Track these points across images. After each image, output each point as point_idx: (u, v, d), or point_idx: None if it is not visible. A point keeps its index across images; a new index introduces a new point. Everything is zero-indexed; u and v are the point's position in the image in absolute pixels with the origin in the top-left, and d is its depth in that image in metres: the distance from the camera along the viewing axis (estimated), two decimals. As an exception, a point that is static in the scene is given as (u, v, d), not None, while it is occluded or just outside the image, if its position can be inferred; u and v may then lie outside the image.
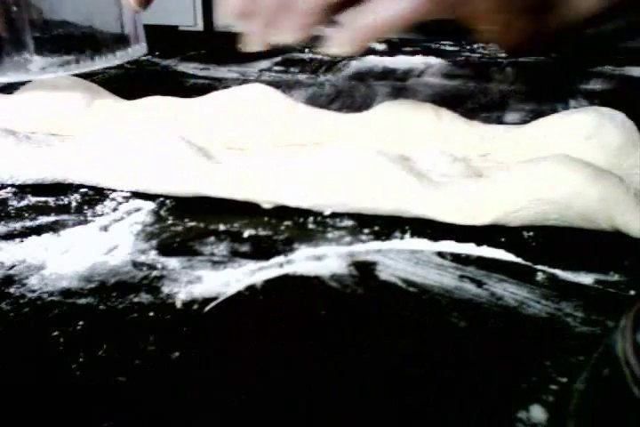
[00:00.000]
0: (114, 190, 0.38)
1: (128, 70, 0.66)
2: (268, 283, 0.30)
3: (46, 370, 0.25)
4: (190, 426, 0.22)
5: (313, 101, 0.44)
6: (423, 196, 0.33)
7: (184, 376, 0.24)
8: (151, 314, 0.28)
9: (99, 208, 0.37)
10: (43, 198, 0.38)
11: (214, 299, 0.29)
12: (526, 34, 0.39)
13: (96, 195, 0.38)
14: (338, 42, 0.37)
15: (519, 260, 0.31)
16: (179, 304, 0.28)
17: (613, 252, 0.32)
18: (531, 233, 0.33)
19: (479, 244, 0.32)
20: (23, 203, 0.38)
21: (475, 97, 0.54)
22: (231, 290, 0.29)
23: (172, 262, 0.32)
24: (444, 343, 0.26)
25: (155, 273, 0.31)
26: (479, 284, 0.29)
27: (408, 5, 0.35)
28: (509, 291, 0.29)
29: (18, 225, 0.35)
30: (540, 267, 0.31)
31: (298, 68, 0.66)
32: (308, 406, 0.23)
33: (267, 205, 0.36)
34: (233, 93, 0.44)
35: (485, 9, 0.37)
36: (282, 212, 0.36)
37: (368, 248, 0.32)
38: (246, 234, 0.34)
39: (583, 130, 0.37)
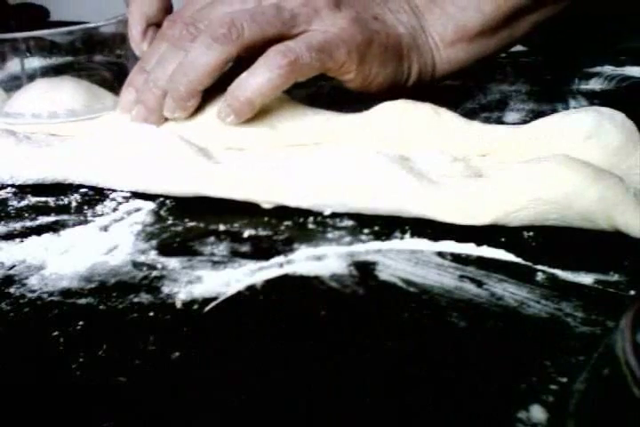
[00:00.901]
0: (114, 190, 0.38)
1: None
2: (268, 283, 0.30)
3: (46, 370, 0.25)
4: (190, 426, 0.22)
5: (313, 101, 0.44)
6: (423, 196, 0.33)
7: (184, 376, 0.24)
8: (151, 314, 0.28)
9: (99, 208, 0.37)
10: (43, 198, 0.38)
11: (214, 299, 0.29)
12: (386, 82, 0.44)
13: (96, 195, 0.38)
14: (225, 115, 0.40)
15: (519, 260, 0.31)
16: (179, 304, 0.28)
17: (613, 252, 0.32)
18: (531, 233, 0.33)
19: (479, 244, 0.32)
20: (23, 203, 0.38)
21: (475, 97, 0.54)
22: (231, 290, 0.29)
23: (172, 262, 0.32)
24: (444, 343, 0.26)
25: (155, 273, 0.31)
26: (479, 284, 0.29)
27: (274, 75, 0.39)
28: (509, 291, 0.29)
29: (18, 225, 0.35)
30: (539, 267, 0.31)
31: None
32: (308, 407, 0.23)
33: (267, 205, 0.36)
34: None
35: (344, 62, 0.41)
36: (282, 212, 0.36)
37: (368, 248, 0.32)
38: (246, 234, 0.34)
39: (583, 130, 0.36)
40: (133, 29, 0.45)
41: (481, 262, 0.31)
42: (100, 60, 0.47)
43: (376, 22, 0.43)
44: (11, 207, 0.37)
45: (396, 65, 0.44)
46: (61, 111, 0.44)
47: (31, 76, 0.46)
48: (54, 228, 0.35)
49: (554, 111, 0.50)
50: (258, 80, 0.39)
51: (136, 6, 0.45)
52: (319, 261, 0.31)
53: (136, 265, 0.31)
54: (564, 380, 0.23)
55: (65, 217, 0.36)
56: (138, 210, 0.37)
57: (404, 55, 0.44)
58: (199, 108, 0.42)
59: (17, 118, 0.44)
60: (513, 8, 0.46)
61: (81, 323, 0.27)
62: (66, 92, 0.44)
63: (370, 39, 0.41)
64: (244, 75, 0.39)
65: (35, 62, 0.46)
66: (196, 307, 0.28)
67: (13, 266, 0.32)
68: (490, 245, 0.32)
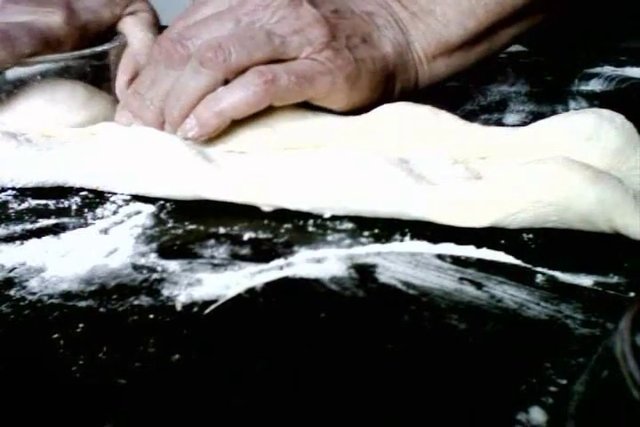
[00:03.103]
0: (114, 193, 0.38)
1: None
2: (268, 285, 0.30)
3: (47, 372, 0.25)
4: (190, 429, 0.23)
5: (312, 103, 0.44)
6: (422, 198, 0.33)
7: (184, 379, 0.24)
8: (151, 316, 0.28)
9: (99, 211, 0.37)
10: (43, 201, 0.38)
11: (214, 301, 0.29)
12: (372, 103, 0.43)
13: (96, 198, 0.38)
14: (189, 127, 0.39)
15: (519, 262, 0.31)
16: (179, 307, 0.28)
17: (613, 254, 0.32)
18: (530, 235, 0.33)
19: (479, 246, 0.32)
20: (24, 205, 0.38)
21: (474, 98, 0.54)
22: (231, 293, 0.29)
23: (172, 265, 0.32)
24: (444, 345, 0.26)
25: (155, 276, 0.31)
26: (479, 286, 0.29)
27: (249, 92, 0.38)
28: (509, 293, 0.29)
29: (18, 228, 0.35)
30: (539, 269, 0.31)
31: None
32: (308, 408, 0.23)
33: (266, 208, 0.36)
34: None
35: (328, 91, 0.41)
36: (282, 214, 0.36)
37: (368, 251, 0.32)
38: (246, 237, 0.34)
39: (583, 132, 0.36)
40: (120, 78, 0.46)
41: (481, 265, 0.31)
42: (97, 64, 0.47)
43: (365, 47, 0.43)
44: (11, 210, 0.37)
45: (383, 86, 0.44)
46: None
47: (21, 81, 0.46)
48: (55, 230, 0.35)
49: (554, 113, 0.50)
50: (232, 95, 0.39)
51: (130, 51, 0.47)
52: (319, 263, 0.31)
53: (136, 268, 0.31)
54: (564, 382, 0.24)
55: (65, 220, 0.36)
56: (138, 213, 0.37)
57: (390, 74, 0.45)
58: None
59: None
60: (493, 22, 0.47)
61: (81, 325, 0.27)
62: (64, 110, 0.45)
63: (358, 69, 0.42)
64: (219, 90, 0.39)
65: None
66: (195, 309, 0.28)
67: (14, 268, 0.32)
68: (489, 247, 0.32)
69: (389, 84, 0.45)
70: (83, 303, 0.29)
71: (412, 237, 0.33)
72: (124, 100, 0.43)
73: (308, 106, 0.42)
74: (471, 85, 0.57)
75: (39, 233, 0.35)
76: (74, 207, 0.37)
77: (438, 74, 0.48)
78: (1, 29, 0.41)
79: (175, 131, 0.41)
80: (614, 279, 0.30)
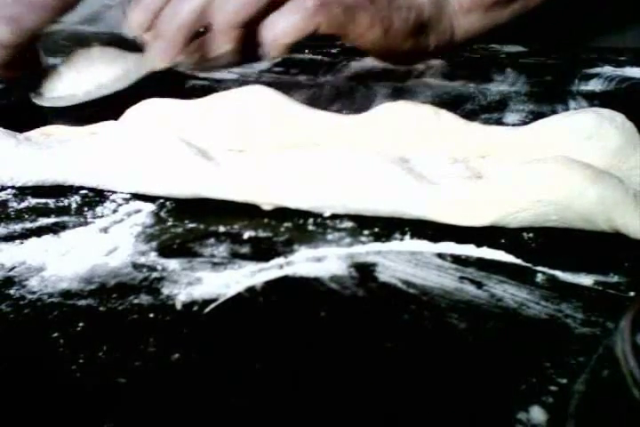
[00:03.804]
0: (114, 192, 0.38)
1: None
2: (268, 284, 0.30)
3: (46, 371, 0.25)
4: (190, 428, 0.23)
5: (313, 102, 0.44)
6: (423, 197, 0.33)
7: (184, 377, 0.24)
8: (151, 315, 0.28)
9: (99, 210, 0.37)
10: (43, 200, 0.38)
11: (214, 300, 0.29)
12: (406, 51, 0.46)
13: (96, 196, 0.38)
14: (272, 47, 0.42)
15: (519, 261, 0.31)
16: (179, 306, 0.28)
17: (613, 253, 0.32)
18: (530, 234, 0.33)
19: (479, 245, 0.32)
20: (23, 204, 0.38)
21: (474, 98, 0.54)
22: (231, 291, 0.29)
23: (172, 264, 0.32)
24: (444, 345, 0.26)
25: (155, 275, 0.31)
26: (479, 285, 0.29)
27: (300, 17, 0.40)
28: (509, 292, 0.29)
29: (18, 227, 0.35)
30: (539, 268, 0.31)
31: (297, 69, 0.66)
32: (308, 408, 0.23)
33: (267, 207, 0.36)
34: (233, 95, 0.44)
35: (365, 28, 0.43)
36: (282, 213, 0.36)
37: (368, 250, 0.32)
38: (246, 235, 0.34)
39: (583, 131, 0.36)
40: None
41: (481, 264, 0.31)
42: None
43: None
44: (11, 209, 0.37)
45: (416, 34, 0.46)
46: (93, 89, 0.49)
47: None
48: (54, 229, 0.35)
49: (554, 112, 0.50)
50: (285, 19, 0.40)
51: None
52: (319, 262, 0.31)
53: (136, 266, 0.31)
54: (564, 381, 0.24)
55: (65, 219, 0.36)
56: (138, 211, 0.37)
57: (425, 24, 0.46)
58: (200, 110, 0.43)
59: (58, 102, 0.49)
60: None
61: (81, 324, 0.27)
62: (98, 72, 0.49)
63: (391, 15, 0.43)
64: (268, 19, 0.41)
65: None
66: (195, 308, 0.28)
67: (13, 267, 0.32)
68: (490, 246, 0.32)
69: (423, 35, 0.46)
70: (83, 302, 0.29)
71: (413, 236, 0.33)
72: None
73: (308, 104, 0.42)
74: (471, 85, 0.57)
75: (39, 232, 0.35)
76: (74, 206, 0.37)
77: (472, 29, 0.49)
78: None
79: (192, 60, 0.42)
80: (614, 279, 0.30)
